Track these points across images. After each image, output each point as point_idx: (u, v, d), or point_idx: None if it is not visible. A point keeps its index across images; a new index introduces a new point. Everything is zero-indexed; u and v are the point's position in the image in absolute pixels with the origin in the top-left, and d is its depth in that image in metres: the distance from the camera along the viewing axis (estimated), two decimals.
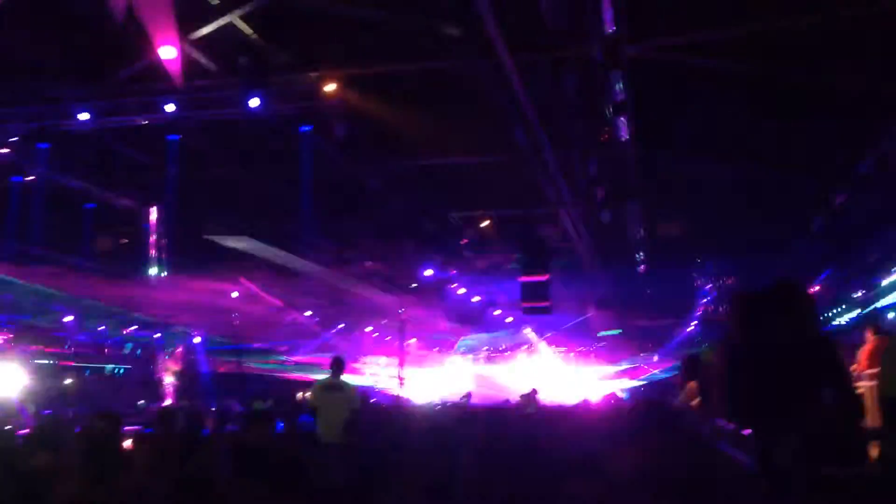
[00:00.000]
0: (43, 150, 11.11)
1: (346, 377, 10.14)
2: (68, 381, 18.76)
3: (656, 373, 25.24)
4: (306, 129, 10.29)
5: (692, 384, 7.67)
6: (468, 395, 20.65)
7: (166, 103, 10.22)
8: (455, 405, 17.35)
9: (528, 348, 27.91)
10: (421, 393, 22.30)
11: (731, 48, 8.69)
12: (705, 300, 20.60)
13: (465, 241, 17.81)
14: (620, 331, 25.24)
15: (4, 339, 14.70)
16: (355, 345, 25.78)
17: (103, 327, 21.93)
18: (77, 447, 6.24)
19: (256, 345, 24.68)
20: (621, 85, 8.94)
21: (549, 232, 15.52)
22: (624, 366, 27.03)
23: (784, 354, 4.15)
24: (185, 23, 8.44)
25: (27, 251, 13.57)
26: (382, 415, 12.26)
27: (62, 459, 5.68)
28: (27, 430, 8.22)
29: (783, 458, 4.08)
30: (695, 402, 7.47)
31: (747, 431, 4.56)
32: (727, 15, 8.32)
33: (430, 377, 25.37)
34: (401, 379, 17.92)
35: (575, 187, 13.26)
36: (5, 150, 11.65)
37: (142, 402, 19.71)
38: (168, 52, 5.51)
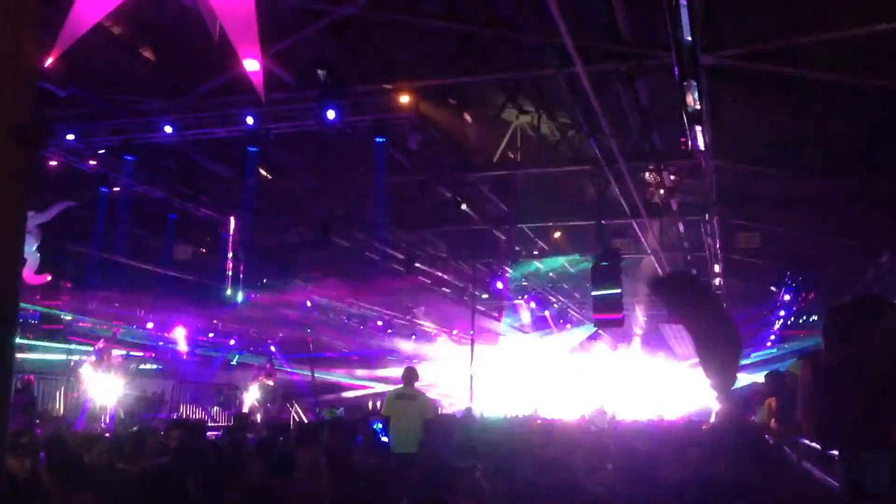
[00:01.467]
0: (128, 162, 11.50)
1: (418, 387, 10.18)
2: (154, 387, 19.34)
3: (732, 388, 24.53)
4: (381, 139, 10.39)
5: (772, 401, 7.45)
6: (535, 409, 20.53)
7: (246, 116, 10.46)
8: (524, 418, 17.26)
9: (597, 361, 27.58)
10: (490, 405, 22.24)
11: (812, 55, 8.44)
12: (783, 314, 20.03)
13: (536, 252, 17.73)
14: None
15: (102, 347, 15.24)
16: (426, 353, 25.89)
17: (181, 335, 22.55)
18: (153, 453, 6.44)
19: (328, 354, 25.04)
20: (697, 94, 8.78)
21: (622, 243, 15.30)
22: (698, 380, 26.43)
23: (876, 372, 3.99)
24: (264, 37, 8.66)
25: (112, 260, 14.10)
26: (453, 426, 12.24)
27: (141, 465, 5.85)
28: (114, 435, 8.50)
29: (873, 483, 3.91)
30: (774, 420, 7.26)
31: (834, 452, 4.39)
32: (806, 21, 8.08)
33: (499, 388, 25.28)
34: (471, 391, 17.88)
35: (648, 198, 13.06)
36: (93, 162, 12.11)
37: (216, 408, 20.20)
38: (251, 66, 5.62)
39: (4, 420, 1.65)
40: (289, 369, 23.92)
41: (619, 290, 14.26)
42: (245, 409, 17.73)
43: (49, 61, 4.95)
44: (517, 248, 17.19)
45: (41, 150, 9.32)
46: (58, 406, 16.38)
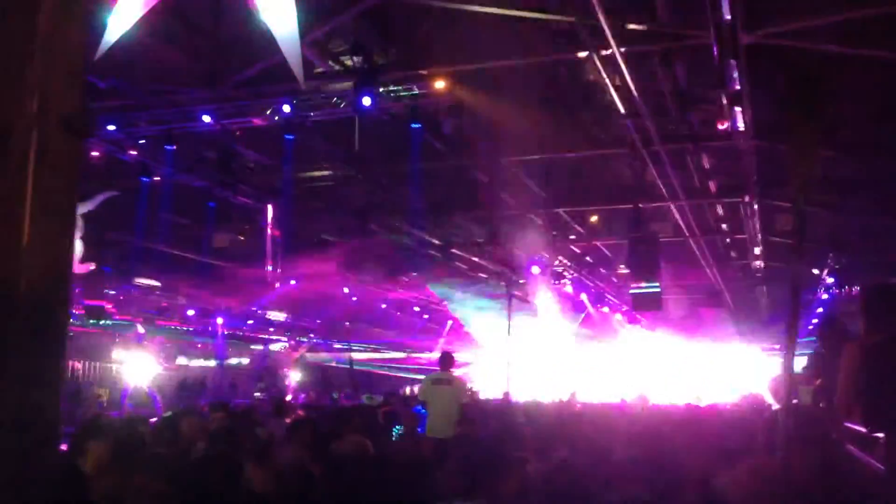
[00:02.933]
0: (169, 151, 11.67)
1: (455, 371, 10.25)
2: (195, 372, 19.68)
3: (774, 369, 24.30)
4: (417, 126, 10.40)
5: (819, 382, 7.35)
6: (573, 394, 20.48)
7: (282, 104, 10.54)
8: (562, 403, 17.25)
9: (634, 343, 27.40)
10: (528, 389, 22.25)
11: (854, 33, 8.25)
12: (826, 297, 19.70)
13: (573, 237, 17.64)
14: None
15: (141, 333, 15.54)
16: (462, 340, 25.93)
17: (221, 322, 22.87)
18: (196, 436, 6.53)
19: (366, 340, 25.21)
20: (737, 74, 8.65)
21: (659, 227, 15.16)
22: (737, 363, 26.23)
23: None
24: (301, 24, 8.70)
25: (152, 248, 14.34)
26: (490, 411, 12.28)
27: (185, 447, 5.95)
28: (156, 419, 8.66)
29: None
30: (822, 402, 7.15)
31: (880, 435, 4.33)
32: None
33: (537, 373, 25.27)
34: (507, 376, 17.91)
35: (687, 181, 12.92)
36: (134, 152, 12.30)
37: (257, 393, 20.47)
38: (291, 52, 5.67)
39: (56, 408, 1.69)
40: (328, 354, 24.17)
41: (656, 281, 14.16)
42: (288, 396, 17.95)
43: (98, 55, 5.05)
44: (554, 233, 17.12)
45: (89, 139, 9.49)
46: (99, 392, 16.73)
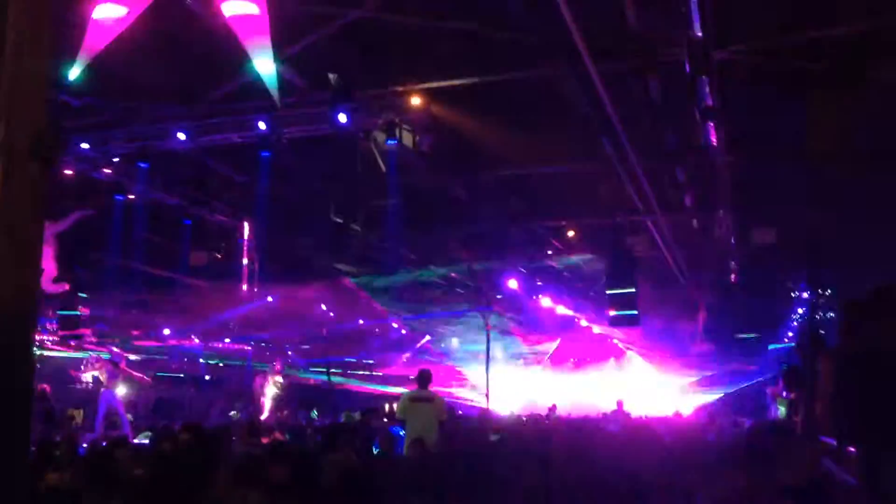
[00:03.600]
0: (143, 169, 11.59)
1: (433, 389, 10.21)
2: (164, 393, 19.46)
3: (749, 384, 24.55)
4: (393, 142, 10.40)
5: (793, 395, 7.42)
6: (553, 408, 20.50)
7: (258, 121, 10.52)
8: (540, 417, 17.24)
9: (615, 358, 27.52)
10: (506, 405, 22.22)
11: (821, 50, 8.40)
12: (801, 310, 19.89)
13: (551, 251, 17.70)
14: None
15: (116, 353, 15.35)
16: (442, 357, 25.86)
17: (198, 341, 22.68)
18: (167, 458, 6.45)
19: (345, 358, 25.07)
20: (709, 90, 8.75)
21: (636, 241, 15.24)
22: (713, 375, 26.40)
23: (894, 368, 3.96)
24: (275, 41, 8.70)
25: (128, 266, 14.21)
26: (469, 427, 12.24)
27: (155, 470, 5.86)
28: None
29: (892, 481, 3.88)
30: (796, 416, 7.22)
31: (852, 449, 4.36)
32: (817, 16, 8.04)
33: (515, 388, 25.25)
34: (487, 391, 17.84)
35: (663, 195, 13.02)
36: (108, 170, 12.21)
37: (233, 412, 20.24)
38: (266, 69, 5.67)
39: (27, 430, 1.68)
40: (306, 374, 23.99)
41: (633, 290, 14.21)
42: (264, 415, 17.76)
43: (73, 75, 5.03)
44: (531, 248, 17.16)
45: (57, 162, 9.40)
46: (73, 414, 16.50)
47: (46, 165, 1.76)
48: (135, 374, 15.69)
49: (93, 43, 4.74)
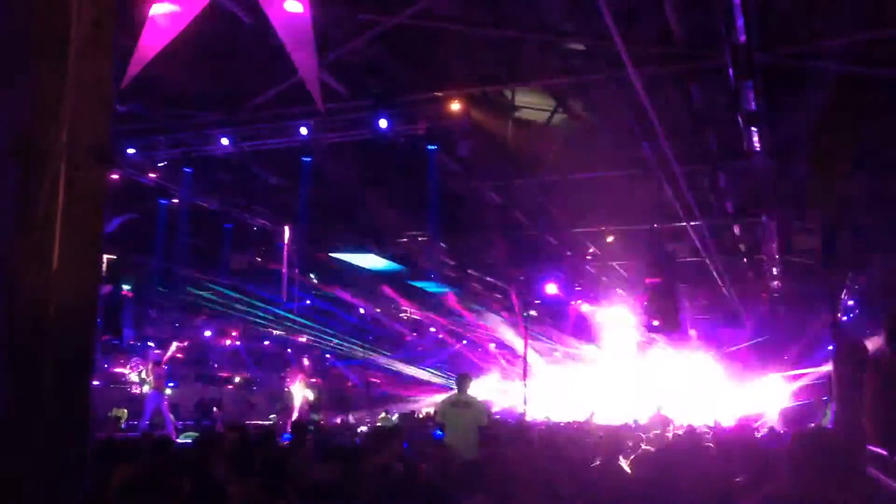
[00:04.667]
0: (187, 174, 11.80)
1: (472, 393, 10.19)
2: (211, 392, 19.75)
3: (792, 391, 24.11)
4: (433, 147, 10.46)
5: (834, 405, 7.29)
6: (591, 415, 20.33)
7: (300, 126, 10.65)
8: (580, 424, 17.11)
9: (652, 365, 27.20)
10: (544, 410, 22.12)
11: (870, 53, 8.26)
12: (844, 318, 19.51)
13: (589, 257, 17.62)
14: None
15: (157, 353, 15.65)
16: (480, 360, 25.87)
17: (240, 343, 22.98)
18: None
19: (382, 359, 25.18)
20: (753, 94, 8.65)
21: (676, 247, 15.12)
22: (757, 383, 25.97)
23: None
24: (318, 46, 8.79)
25: (172, 269, 14.46)
26: (509, 432, 12.20)
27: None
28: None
29: None
30: (839, 425, 7.09)
31: None
32: (863, 19, 7.91)
33: (553, 393, 25.13)
34: (525, 397, 17.80)
35: (704, 201, 12.89)
36: (153, 175, 12.45)
37: (273, 415, 20.45)
38: (309, 75, 5.74)
39: (87, 426, 1.73)
40: (344, 374, 24.18)
41: (673, 296, 14.09)
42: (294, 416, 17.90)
43: (124, 83, 5.14)
44: (569, 253, 17.11)
45: (116, 167, 9.62)
46: (118, 414, 16.80)
47: (107, 170, 1.82)
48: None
49: (147, 47, 4.84)
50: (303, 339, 22.57)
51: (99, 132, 1.78)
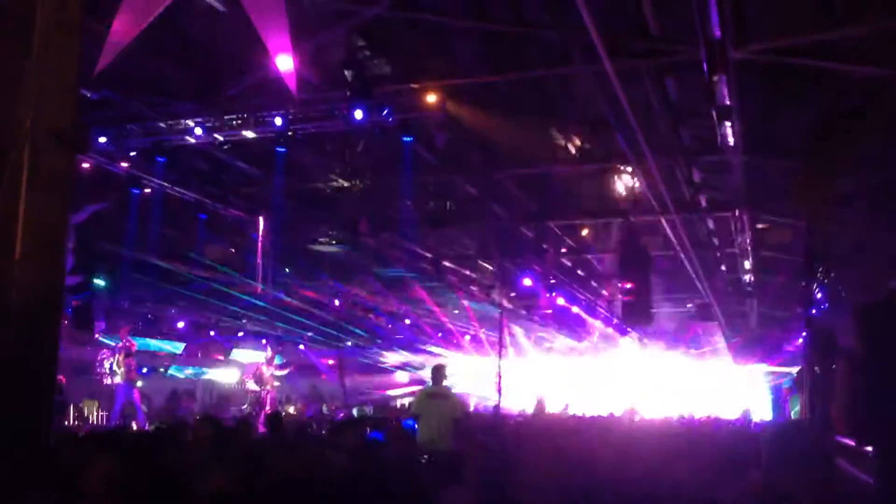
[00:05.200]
0: (160, 164, 11.66)
1: (448, 385, 10.19)
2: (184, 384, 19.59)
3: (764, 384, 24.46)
4: (408, 139, 10.42)
5: (804, 396, 7.39)
6: (566, 407, 20.45)
7: (274, 117, 10.56)
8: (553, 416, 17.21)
9: (625, 357, 27.40)
10: (517, 401, 22.21)
11: (843, 50, 8.33)
12: (815, 311, 19.73)
13: (565, 249, 17.66)
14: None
15: (130, 345, 15.44)
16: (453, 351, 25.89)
17: (213, 333, 22.81)
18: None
19: (356, 350, 25.14)
20: (726, 90, 8.70)
21: (650, 240, 15.20)
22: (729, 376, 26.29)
23: None
24: (293, 37, 8.71)
25: (145, 260, 14.31)
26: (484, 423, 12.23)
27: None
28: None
29: None
30: (807, 415, 7.19)
31: (869, 449, 4.34)
32: (838, 15, 7.97)
33: (526, 385, 25.23)
34: (499, 388, 17.85)
35: (678, 195, 12.96)
36: (125, 164, 12.28)
37: (246, 406, 20.35)
38: (284, 64, 5.68)
39: (49, 416, 1.70)
40: (319, 369, 24.10)
41: (647, 289, 14.18)
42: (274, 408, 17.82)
43: (97, 69, 5.06)
44: (544, 246, 17.13)
45: (82, 153, 9.47)
46: (87, 405, 16.64)
47: (73, 156, 1.78)
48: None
49: (120, 33, 4.76)
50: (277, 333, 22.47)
51: (64, 115, 1.75)
